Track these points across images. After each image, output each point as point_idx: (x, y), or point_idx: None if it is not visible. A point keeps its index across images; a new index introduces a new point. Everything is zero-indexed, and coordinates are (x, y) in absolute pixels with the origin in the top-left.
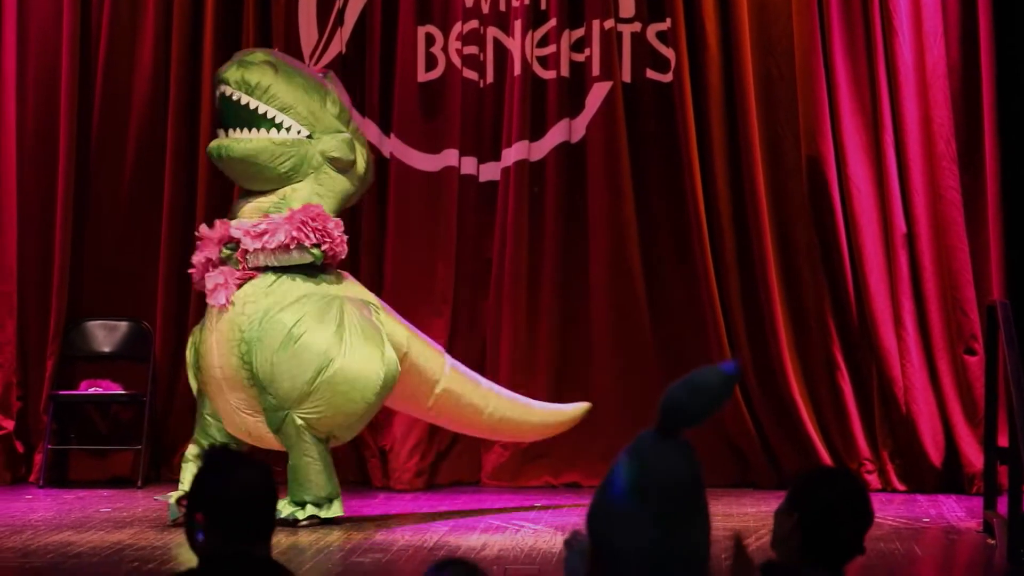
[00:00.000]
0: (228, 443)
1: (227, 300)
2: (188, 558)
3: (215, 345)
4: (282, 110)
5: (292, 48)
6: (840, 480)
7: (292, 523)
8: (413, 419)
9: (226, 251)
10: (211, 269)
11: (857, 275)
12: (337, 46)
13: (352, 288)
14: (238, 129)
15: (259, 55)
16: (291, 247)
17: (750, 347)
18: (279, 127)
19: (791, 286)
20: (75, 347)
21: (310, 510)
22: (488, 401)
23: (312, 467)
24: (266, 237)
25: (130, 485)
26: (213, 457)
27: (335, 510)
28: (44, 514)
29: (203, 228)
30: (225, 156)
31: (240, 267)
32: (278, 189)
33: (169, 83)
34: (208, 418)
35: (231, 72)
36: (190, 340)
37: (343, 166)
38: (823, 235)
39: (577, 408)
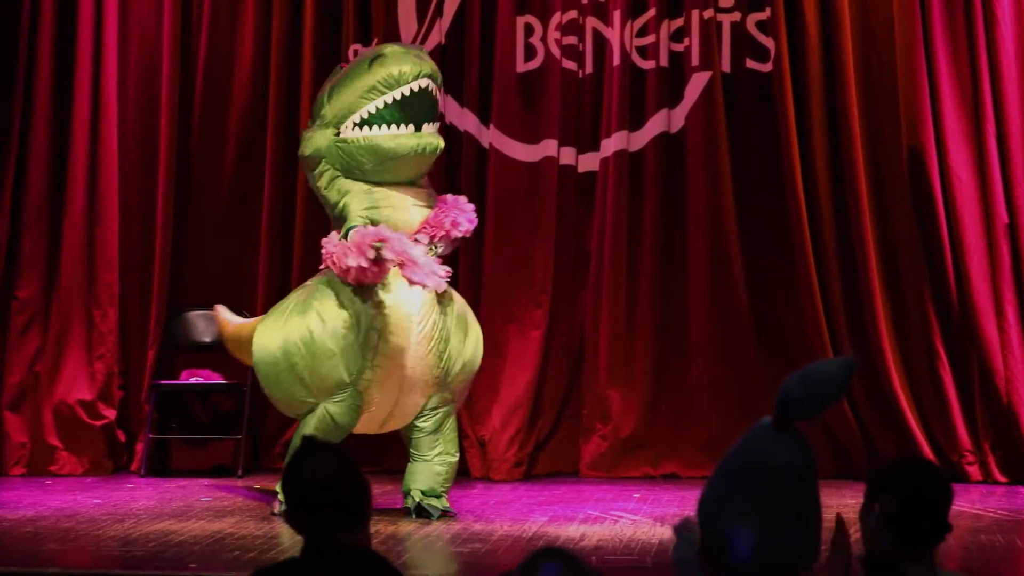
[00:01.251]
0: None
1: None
2: (288, 546)
3: (412, 346)
4: None
5: (392, 39)
6: (912, 465)
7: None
8: (512, 409)
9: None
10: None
11: (958, 265)
12: (436, 37)
13: None
14: (431, 124)
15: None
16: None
17: (850, 337)
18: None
19: (891, 276)
20: (176, 337)
21: (443, 503)
22: None
23: None
24: (460, 225)
25: (230, 474)
26: (301, 445)
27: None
28: (145, 503)
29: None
30: (438, 152)
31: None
32: (412, 183)
33: (269, 75)
34: (348, 413)
35: (434, 67)
36: (322, 334)
37: None
38: (924, 225)
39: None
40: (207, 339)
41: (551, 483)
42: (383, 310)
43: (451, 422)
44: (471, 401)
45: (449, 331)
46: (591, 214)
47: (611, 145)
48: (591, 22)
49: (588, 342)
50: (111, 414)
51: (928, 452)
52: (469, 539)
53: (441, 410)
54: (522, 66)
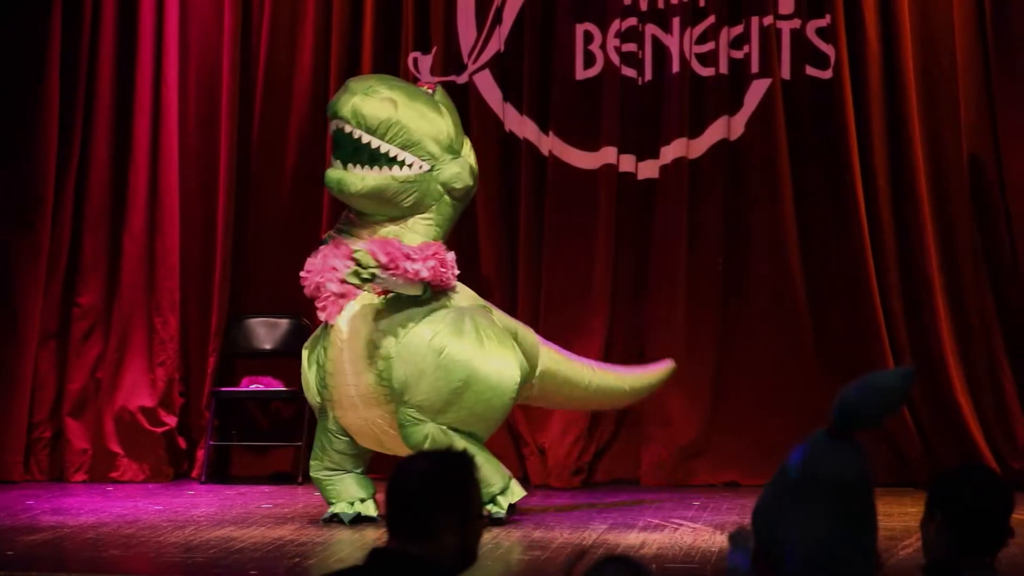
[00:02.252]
0: (354, 455)
1: (331, 319)
2: (346, 554)
3: (348, 364)
4: (404, 147)
5: (452, 47)
6: (973, 473)
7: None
8: (571, 417)
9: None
10: (324, 289)
11: (1020, 274)
12: (495, 44)
13: (467, 296)
14: (358, 165)
15: (380, 90)
16: (423, 280)
17: (911, 346)
18: (401, 164)
19: (953, 285)
20: (236, 344)
21: (493, 508)
22: (584, 374)
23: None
24: (405, 264)
25: (291, 481)
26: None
27: (516, 493)
28: (206, 510)
29: (331, 246)
30: (346, 192)
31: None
32: (395, 218)
33: (329, 83)
34: (331, 434)
35: (347, 108)
36: (305, 357)
37: (461, 194)
38: (985, 233)
39: (663, 369)
40: (267, 346)
41: (611, 491)
42: (327, 329)
43: (442, 441)
44: (530, 407)
45: (392, 349)
46: (651, 221)
47: (670, 152)
48: (650, 29)
49: (647, 349)
50: (172, 421)
51: (990, 460)
52: (529, 546)
53: (412, 429)
54: (581, 73)
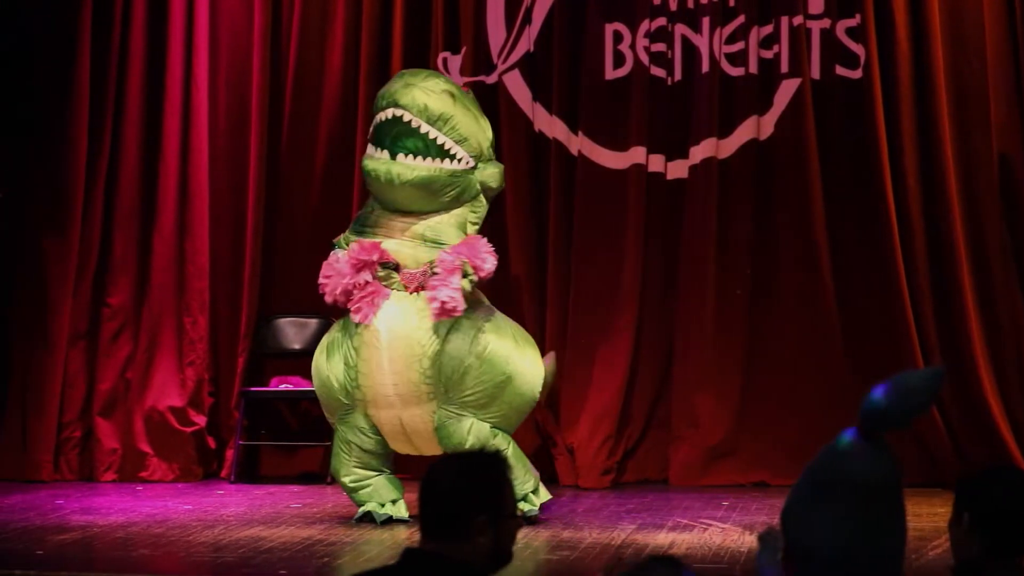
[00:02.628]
0: (383, 454)
1: (367, 320)
2: (375, 554)
3: (387, 363)
4: (458, 142)
5: (481, 47)
6: (1001, 473)
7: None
8: (600, 417)
9: (383, 271)
10: (358, 289)
11: None
12: (525, 44)
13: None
14: (410, 155)
15: (439, 82)
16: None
17: (940, 345)
18: (452, 158)
19: (983, 285)
20: (266, 344)
21: (526, 506)
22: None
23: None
24: (482, 264)
25: (319, 481)
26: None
27: (543, 496)
28: (235, 509)
29: (357, 248)
30: (397, 182)
31: (405, 288)
32: (429, 213)
33: (359, 82)
34: (362, 434)
35: (408, 97)
36: (323, 360)
37: (493, 195)
38: (1015, 232)
39: (552, 359)
40: (296, 346)
41: (640, 491)
42: (358, 330)
43: (485, 436)
44: (558, 408)
45: (435, 347)
46: (680, 221)
47: (700, 152)
48: (680, 29)
49: (677, 349)
50: (201, 420)
51: (1019, 461)
52: (558, 546)
53: (453, 427)
54: (611, 73)
